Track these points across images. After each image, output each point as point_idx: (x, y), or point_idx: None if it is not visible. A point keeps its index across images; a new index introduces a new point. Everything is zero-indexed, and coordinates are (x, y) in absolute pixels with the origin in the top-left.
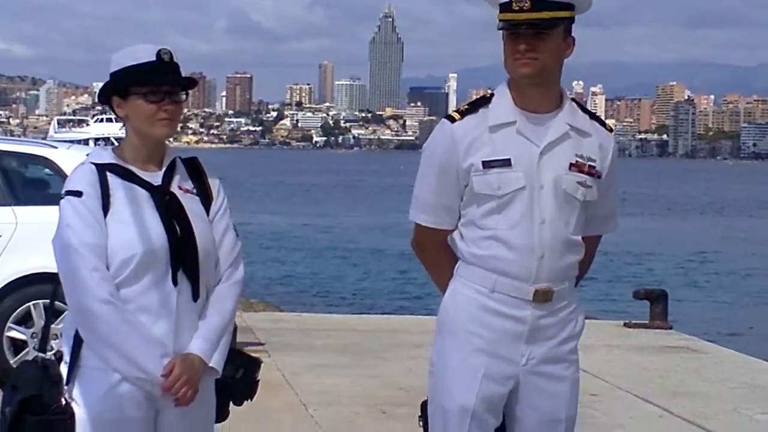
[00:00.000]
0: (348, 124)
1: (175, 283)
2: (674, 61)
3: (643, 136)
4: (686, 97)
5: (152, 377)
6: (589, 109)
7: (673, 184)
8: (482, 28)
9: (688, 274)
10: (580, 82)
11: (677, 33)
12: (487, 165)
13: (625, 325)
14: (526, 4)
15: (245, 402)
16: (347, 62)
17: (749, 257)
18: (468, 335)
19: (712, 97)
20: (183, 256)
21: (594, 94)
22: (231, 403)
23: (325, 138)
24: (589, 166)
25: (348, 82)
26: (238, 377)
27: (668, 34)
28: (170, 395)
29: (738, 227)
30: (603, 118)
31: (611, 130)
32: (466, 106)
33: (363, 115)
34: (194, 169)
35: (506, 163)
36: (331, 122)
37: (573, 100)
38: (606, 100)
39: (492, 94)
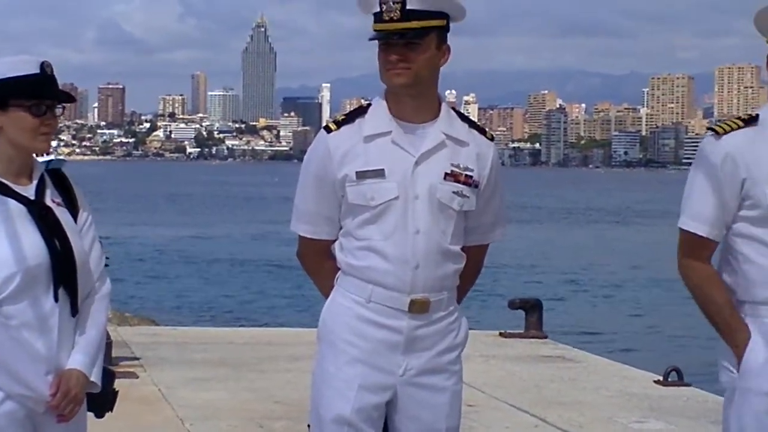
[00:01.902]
0: (222, 135)
1: (56, 298)
2: (546, 69)
3: (516, 144)
4: (558, 106)
5: (37, 395)
6: (469, 117)
7: (547, 192)
8: (355, 37)
9: (563, 283)
10: (453, 91)
11: (550, 42)
12: (361, 175)
13: (500, 335)
14: (396, 14)
15: (106, 414)
16: (220, 73)
17: (624, 266)
18: (345, 345)
19: (583, 105)
20: (63, 271)
21: (467, 103)
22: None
23: (198, 149)
24: (466, 175)
25: (221, 93)
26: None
27: (541, 43)
28: (53, 412)
29: (612, 236)
30: None
31: (492, 139)
32: (342, 117)
33: (237, 125)
34: (60, 180)
35: (380, 173)
36: (204, 133)
37: (453, 109)
38: (479, 108)
39: (369, 104)
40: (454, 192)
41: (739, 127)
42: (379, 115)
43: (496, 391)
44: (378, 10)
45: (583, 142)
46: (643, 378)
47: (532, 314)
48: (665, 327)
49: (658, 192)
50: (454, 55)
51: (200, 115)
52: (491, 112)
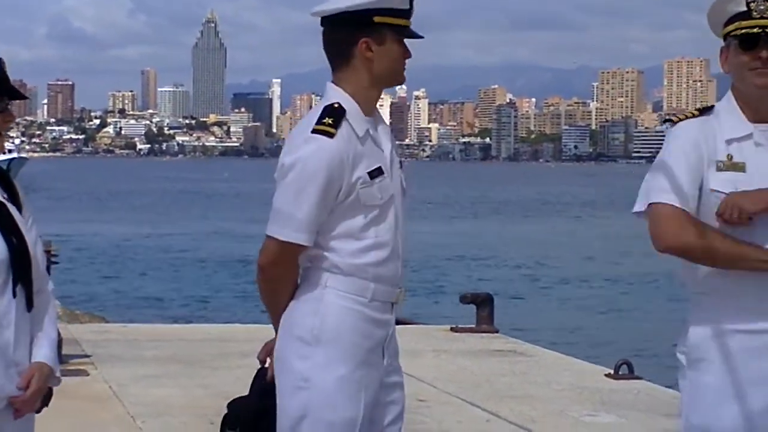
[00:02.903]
0: (172, 131)
1: (14, 294)
2: (497, 64)
3: (466, 139)
4: (508, 100)
5: (1, 391)
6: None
7: (497, 187)
8: (306, 33)
9: (514, 277)
10: (404, 87)
11: (501, 36)
12: (372, 175)
13: (451, 329)
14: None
15: (43, 409)
16: (170, 69)
17: (575, 260)
18: (353, 347)
19: (533, 99)
20: (20, 266)
21: (417, 98)
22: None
23: (149, 145)
24: (401, 163)
25: (171, 89)
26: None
27: (493, 37)
28: (23, 407)
29: (564, 230)
30: (427, 122)
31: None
32: (330, 120)
33: (187, 121)
34: (2, 177)
35: (381, 171)
36: (154, 129)
37: None
38: (429, 103)
39: (339, 104)
40: (405, 181)
41: (694, 116)
42: (356, 113)
43: (448, 386)
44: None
45: (533, 136)
46: (594, 371)
47: (483, 309)
48: (616, 321)
49: (607, 186)
50: None
51: (150, 111)
52: (442, 107)
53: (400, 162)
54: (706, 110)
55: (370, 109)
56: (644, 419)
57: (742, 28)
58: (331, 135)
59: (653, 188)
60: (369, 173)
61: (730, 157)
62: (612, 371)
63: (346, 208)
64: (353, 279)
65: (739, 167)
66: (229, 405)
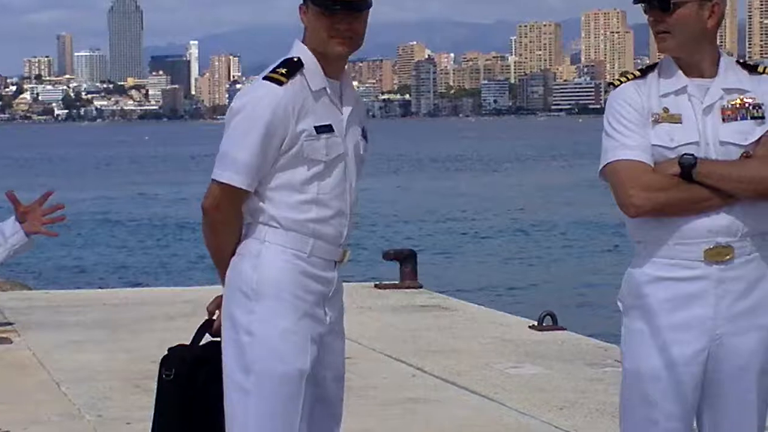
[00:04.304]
0: (90, 96)
1: None
2: (414, 20)
3: (386, 96)
4: (427, 56)
5: None
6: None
7: (418, 143)
8: None
9: (437, 233)
10: None
11: None
12: (319, 130)
13: (375, 286)
14: None
15: None
16: (86, 33)
17: (497, 214)
18: (295, 300)
19: (452, 55)
20: None
21: None
22: None
23: (67, 111)
24: (365, 130)
25: (88, 53)
26: None
27: None
28: None
29: (484, 183)
30: None
31: None
32: (284, 70)
33: (105, 86)
34: None
35: (330, 128)
36: (72, 94)
37: None
38: (348, 61)
39: (298, 58)
40: (365, 150)
41: (635, 77)
42: (315, 70)
43: (373, 343)
44: None
45: (452, 91)
46: (518, 324)
47: (406, 265)
48: (538, 273)
49: (528, 138)
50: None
51: (67, 76)
52: (360, 64)
53: (365, 132)
54: (648, 69)
55: (334, 71)
56: (569, 369)
57: None
58: (280, 83)
59: (607, 149)
60: (316, 127)
61: (666, 110)
62: (536, 323)
63: (290, 159)
64: (293, 234)
65: (675, 118)
66: (170, 349)
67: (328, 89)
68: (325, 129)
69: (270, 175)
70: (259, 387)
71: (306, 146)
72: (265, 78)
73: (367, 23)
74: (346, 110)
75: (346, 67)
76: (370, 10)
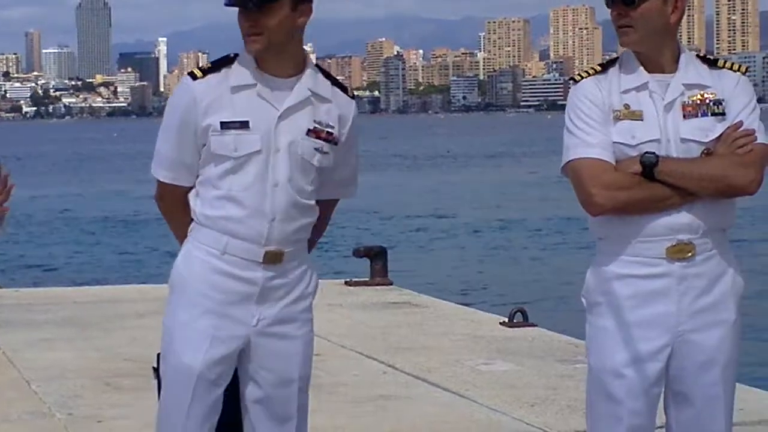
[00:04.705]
0: (58, 93)
1: None
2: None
3: (355, 93)
4: (396, 53)
5: None
6: (331, 74)
7: (389, 140)
8: None
9: (407, 230)
10: None
11: None
12: (225, 126)
13: (346, 283)
14: None
15: None
16: (54, 30)
17: (467, 210)
18: (199, 296)
19: (421, 51)
20: None
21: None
22: None
23: (35, 108)
24: (327, 132)
25: (56, 50)
26: None
27: None
28: None
29: (455, 180)
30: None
31: (353, 97)
32: (209, 65)
33: (73, 83)
34: None
35: (244, 125)
36: (40, 92)
37: (316, 65)
38: (317, 58)
39: (236, 55)
40: (315, 148)
41: (596, 72)
42: (246, 66)
43: (343, 340)
44: None
45: (422, 88)
46: (489, 320)
47: (377, 261)
48: (509, 269)
49: (498, 134)
50: None
51: (35, 73)
52: (329, 61)
53: (327, 138)
54: (609, 63)
55: (276, 68)
56: (540, 365)
57: None
58: (195, 77)
59: (569, 146)
60: (222, 123)
61: (627, 106)
62: (507, 319)
63: (206, 154)
64: (206, 230)
65: (636, 115)
66: (158, 354)
67: (259, 85)
68: (236, 125)
69: (200, 169)
70: (164, 375)
71: (213, 141)
72: (188, 73)
73: (283, 16)
74: (282, 107)
75: (308, 63)
76: (285, 2)
